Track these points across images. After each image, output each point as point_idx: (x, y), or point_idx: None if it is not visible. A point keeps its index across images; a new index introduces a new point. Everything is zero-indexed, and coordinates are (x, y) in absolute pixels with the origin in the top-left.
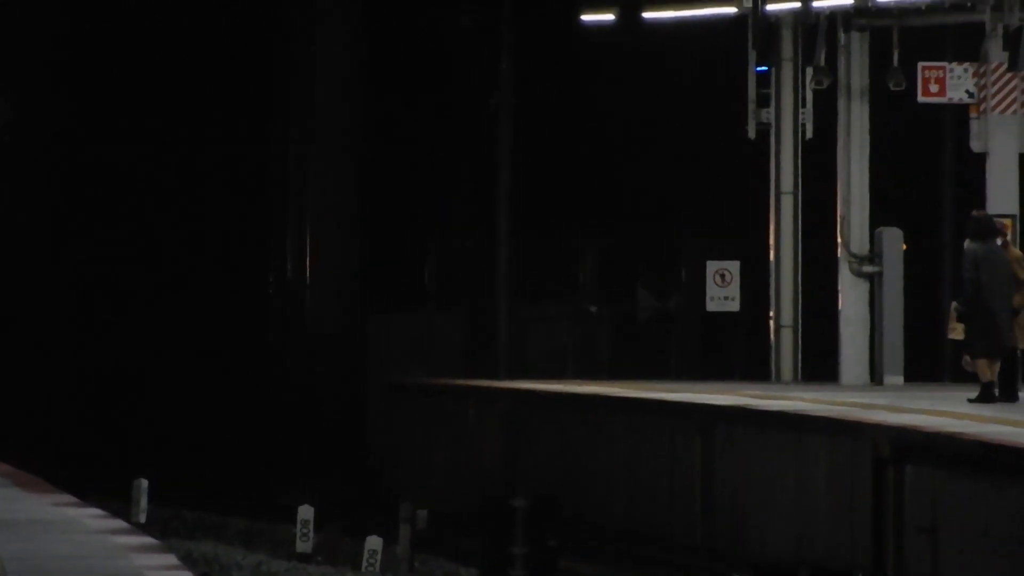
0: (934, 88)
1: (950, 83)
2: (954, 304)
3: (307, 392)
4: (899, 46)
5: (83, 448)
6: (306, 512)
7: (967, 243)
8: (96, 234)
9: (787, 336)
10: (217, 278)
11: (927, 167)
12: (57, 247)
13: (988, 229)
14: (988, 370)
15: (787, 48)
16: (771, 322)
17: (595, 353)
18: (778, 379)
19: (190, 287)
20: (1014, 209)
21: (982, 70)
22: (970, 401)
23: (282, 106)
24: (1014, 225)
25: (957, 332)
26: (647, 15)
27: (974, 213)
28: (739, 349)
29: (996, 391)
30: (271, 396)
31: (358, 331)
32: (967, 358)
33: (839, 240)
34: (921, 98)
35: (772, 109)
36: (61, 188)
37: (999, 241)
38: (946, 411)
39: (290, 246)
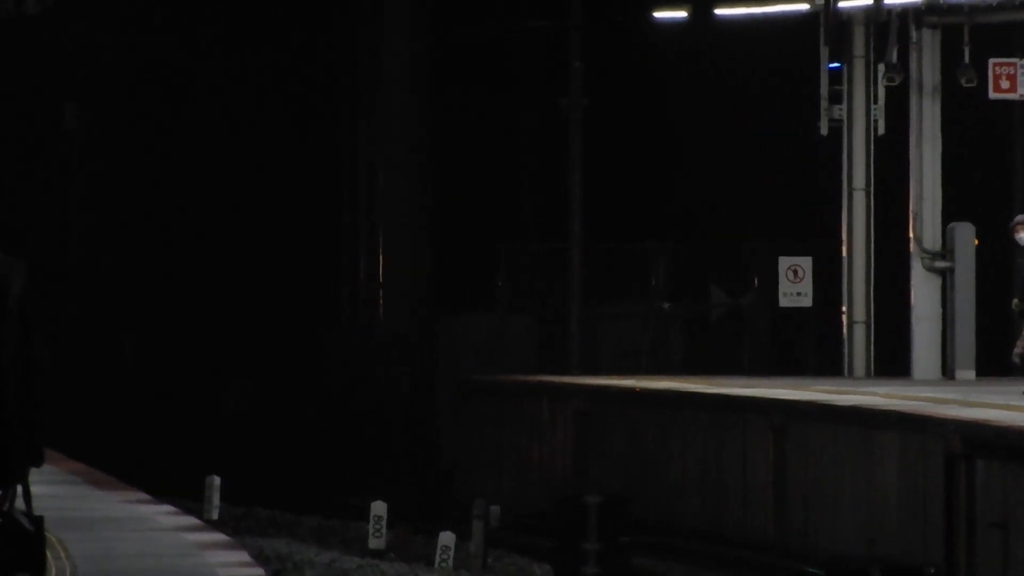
0: (1005, 84)
1: (1021, 79)
2: (1015, 300)
3: (380, 393)
4: (970, 43)
5: (157, 445)
6: (379, 508)
7: None
8: (170, 236)
9: (860, 332)
10: (292, 280)
11: (999, 163)
12: (130, 247)
13: None
14: None
15: (859, 45)
16: (844, 318)
17: (668, 351)
18: (851, 375)
19: (265, 288)
20: None
21: None
22: None
23: (352, 109)
24: None
25: None
26: (719, 12)
27: None
28: (812, 345)
29: None
30: (344, 396)
31: (429, 333)
32: (1018, 352)
33: (911, 236)
34: (993, 94)
35: (844, 106)
36: (137, 192)
37: None
38: (1017, 405)
39: (363, 249)
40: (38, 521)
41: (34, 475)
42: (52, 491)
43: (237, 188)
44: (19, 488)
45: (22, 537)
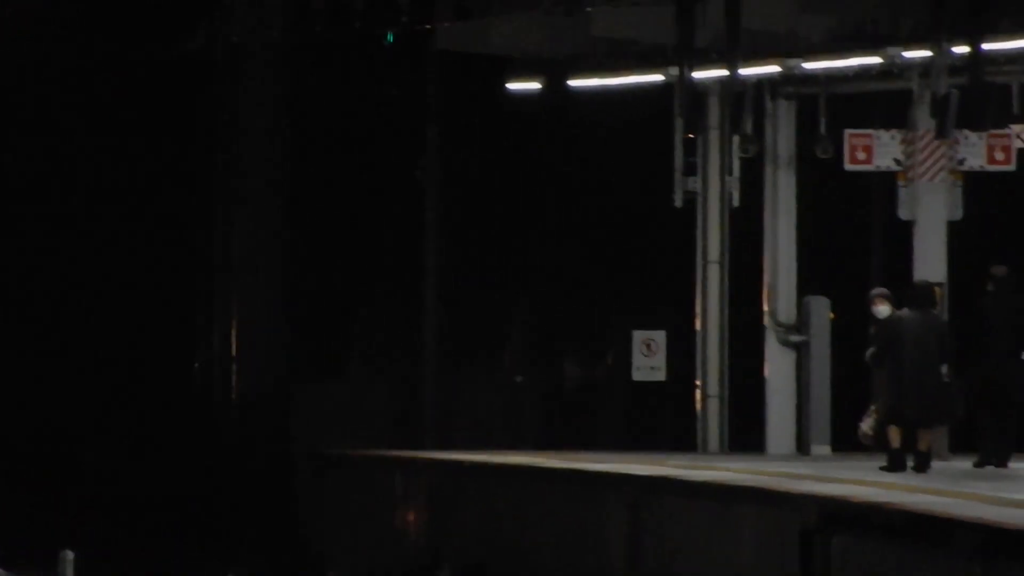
0: (861, 156)
1: (878, 150)
2: (869, 351)
3: (237, 464)
4: (826, 114)
5: (9, 516)
6: None
7: (891, 311)
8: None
9: (714, 406)
10: (145, 347)
11: (855, 235)
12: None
13: (926, 297)
14: (897, 437)
15: (714, 116)
16: (698, 392)
17: (521, 423)
18: (705, 449)
19: (118, 357)
20: (942, 276)
21: (909, 137)
22: (882, 469)
23: (206, 170)
24: (943, 292)
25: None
26: (573, 83)
27: (915, 281)
28: (666, 419)
29: (906, 459)
30: (200, 469)
31: (285, 401)
32: (862, 427)
33: (765, 309)
34: (848, 166)
35: (699, 177)
36: None
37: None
38: (873, 481)
39: (216, 314)
40: None
41: None
42: None
43: (88, 250)
44: None
45: None
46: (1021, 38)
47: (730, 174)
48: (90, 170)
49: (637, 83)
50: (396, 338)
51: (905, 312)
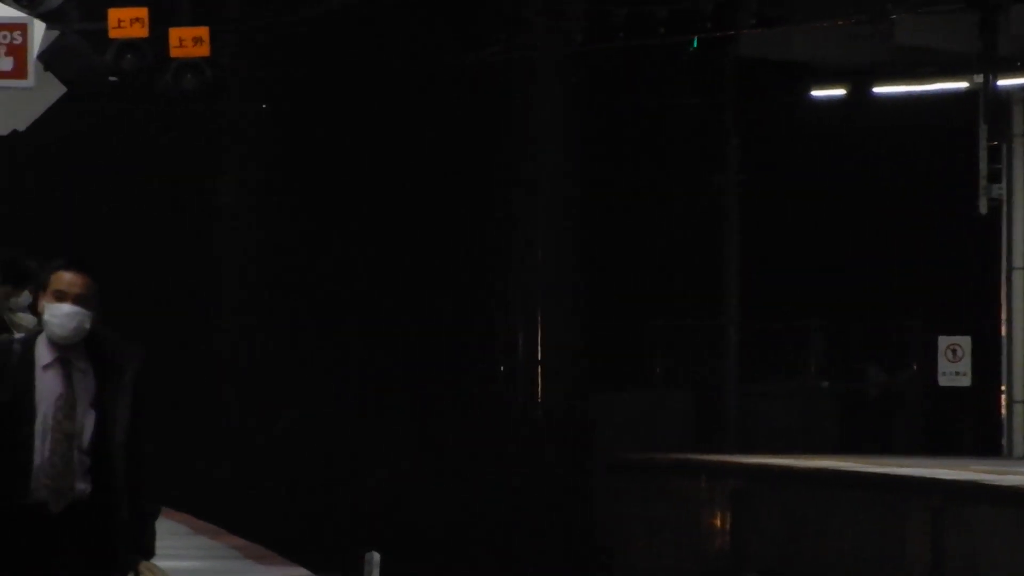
0: None
1: None
2: None
3: (535, 471)
4: None
5: (316, 519)
6: None
7: None
8: (322, 315)
9: (1019, 411)
10: (445, 357)
11: None
12: (285, 324)
13: None
14: None
15: (1018, 123)
16: (1003, 397)
17: (823, 430)
18: (1010, 454)
19: (419, 364)
20: None
21: None
22: None
23: (505, 184)
24: None
25: None
26: (877, 90)
27: None
28: (969, 425)
29: None
30: (500, 474)
31: (585, 411)
32: None
33: None
34: None
35: (1003, 184)
36: (291, 267)
37: None
38: None
39: (520, 325)
40: None
41: (196, 549)
42: (213, 566)
43: (390, 264)
44: None
45: None
46: None
47: None
48: (391, 178)
49: (941, 89)
50: (696, 345)
51: None
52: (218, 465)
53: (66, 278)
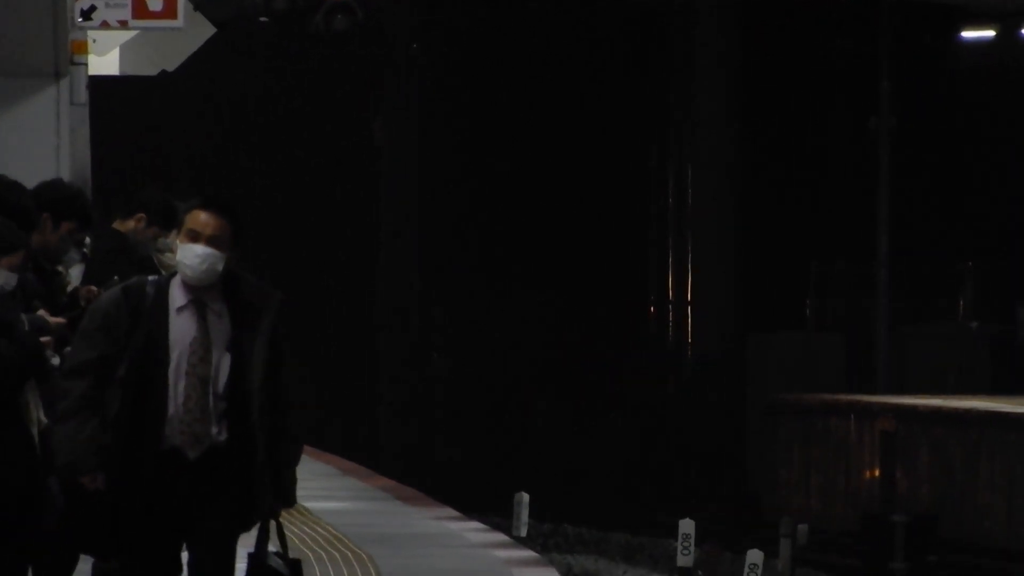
0: None
1: None
2: None
3: (687, 412)
4: None
5: (465, 462)
6: (687, 526)
7: None
8: (480, 258)
9: None
10: (597, 296)
11: None
12: (442, 263)
13: None
14: None
15: None
16: None
17: (974, 371)
18: None
19: (573, 311)
20: None
21: None
22: None
23: (661, 129)
24: None
25: None
26: None
27: None
28: None
29: None
30: (651, 415)
31: (738, 352)
32: None
33: None
34: None
35: None
36: (449, 213)
37: None
38: None
39: (672, 267)
40: (295, 564)
41: (345, 491)
42: (361, 507)
43: (545, 206)
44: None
45: None
46: None
47: None
48: (549, 124)
49: None
50: (848, 286)
51: None
52: (371, 411)
53: (201, 218)
